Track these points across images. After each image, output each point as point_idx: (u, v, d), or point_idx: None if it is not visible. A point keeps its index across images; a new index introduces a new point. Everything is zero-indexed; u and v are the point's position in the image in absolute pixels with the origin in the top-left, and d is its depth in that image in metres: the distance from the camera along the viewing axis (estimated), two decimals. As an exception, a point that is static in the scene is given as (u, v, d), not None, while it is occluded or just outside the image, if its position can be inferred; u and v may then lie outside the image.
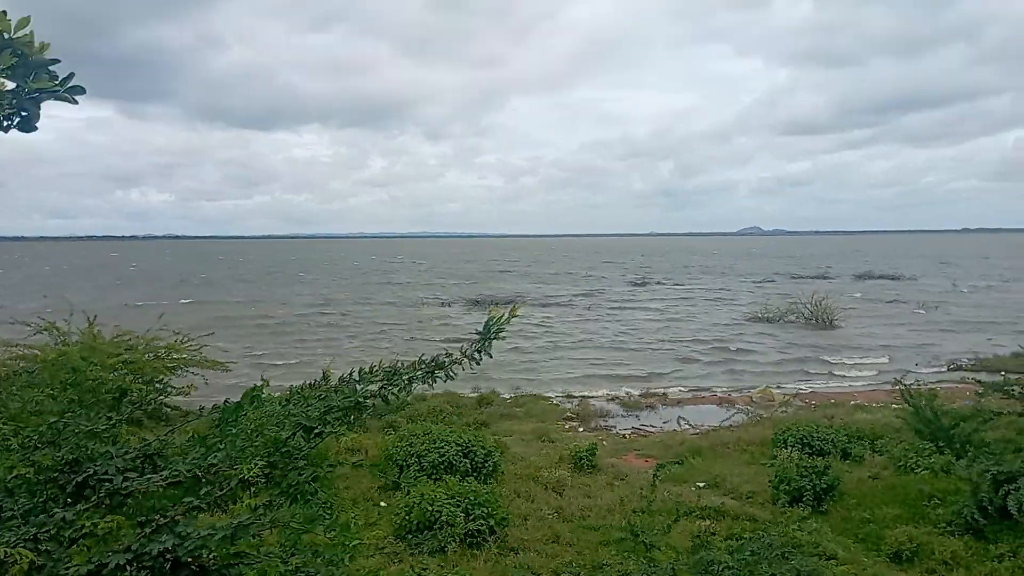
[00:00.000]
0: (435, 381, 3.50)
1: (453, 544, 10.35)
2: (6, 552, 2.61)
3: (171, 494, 3.17)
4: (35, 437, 3.50)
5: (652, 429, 20.42)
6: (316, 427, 3.34)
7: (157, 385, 16.06)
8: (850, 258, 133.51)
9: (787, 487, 12.54)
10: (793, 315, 43.78)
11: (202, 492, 3.11)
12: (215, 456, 3.20)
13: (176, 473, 3.16)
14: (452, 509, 10.59)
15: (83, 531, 2.92)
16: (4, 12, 2.05)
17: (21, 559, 2.60)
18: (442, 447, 13.21)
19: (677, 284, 78.71)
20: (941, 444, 13.86)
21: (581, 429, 20.34)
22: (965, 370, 28.77)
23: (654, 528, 8.33)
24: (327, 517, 3.51)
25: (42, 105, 2.25)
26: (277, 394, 3.91)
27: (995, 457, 10.81)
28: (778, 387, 26.11)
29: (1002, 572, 9.73)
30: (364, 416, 3.45)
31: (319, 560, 3.56)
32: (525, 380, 27.73)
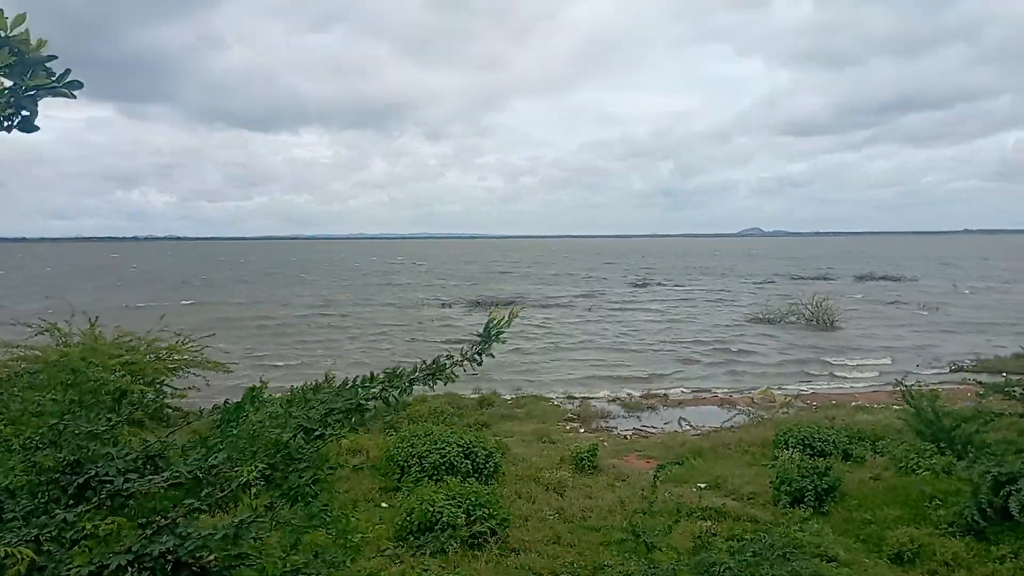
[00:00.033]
0: (436, 384, 3.49)
1: (454, 545, 10.34)
2: (6, 551, 2.61)
3: (172, 495, 3.17)
4: (36, 438, 3.49)
5: (653, 430, 20.42)
6: (317, 429, 3.34)
7: (158, 386, 16.05)
8: (851, 259, 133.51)
9: (788, 488, 12.53)
10: (794, 316, 43.78)
11: (203, 494, 3.10)
12: (216, 457, 3.20)
13: (177, 475, 3.16)
14: (453, 510, 10.59)
15: (84, 532, 2.92)
16: (0, 10, 2.05)
17: (21, 560, 2.60)
18: (443, 448, 13.21)
19: (678, 285, 78.72)
20: (942, 445, 13.85)
21: (582, 430, 20.33)
22: (966, 371, 28.77)
23: (655, 529, 8.33)
24: (328, 518, 3.50)
25: (41, 105, 2.25)
26: (278, 395, 3.91)
27: (996, 458, 10.80)
28: (779, 388, 26.10)
29: (1003, 573, 9.71)
30: (365, 420, 3.45)
31: (320, 561, 3.55)
32: (526, 381, 27.74)
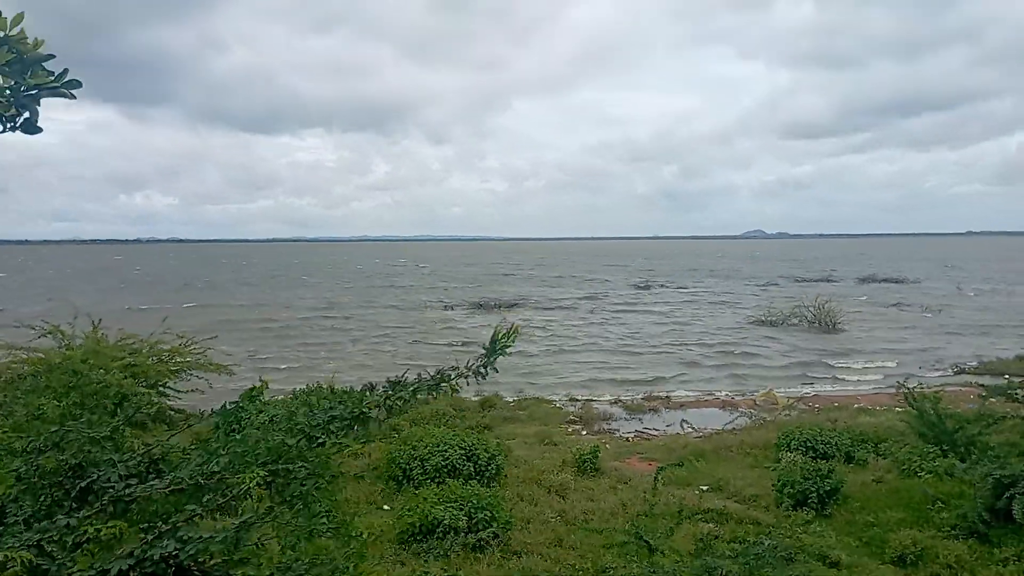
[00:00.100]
0: (439, 394, 3.50)
1: (456, 548, 10.34)
2: (6, 555, 2.62)
3: (174, 501, 3.17)
4: (39, 442, 3.50)
5: (655, 432, 20.40)
6: (320, 436, 3.34)
7: (161, 389, 16.08)
8: (854, 261, 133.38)
9: (791, 490, 12.51)
10: (797, 318, 43.73)
11: (205, 499, 3.11)
12: (218, 463, 3.20)
13: (179, 480, 3.16)
14: (455, 513, 10.59)
15: (87, 536, 2.92)
16: (-1, 10, 2.06)
17: (20, 564, 2.60)
18: (445, 450, 13.21)
19: (681, 287, 78.67)
20: (945, 447, 13.83)
21: (584, 432, 20.32)
22: (969, 373, 28.72)
23: (657, 531, 8.31)
24: (328, 523, 3.50)
25: (42, 107, 2.26)
26: (280, 397, 3.91)
27: (999, 460, 10.77)
28: (782, 390, 26.07)
29: (1006, 576, 9.70)
30: (369, 430, 3.45)
31: (320, 564, 3.55)
32: (528, 383, 27.73)
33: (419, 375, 3.53)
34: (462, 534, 10.52)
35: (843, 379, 29.36)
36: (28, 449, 3.51)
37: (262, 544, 3.18)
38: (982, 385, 14.08)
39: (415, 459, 13.17)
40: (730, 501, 13.14)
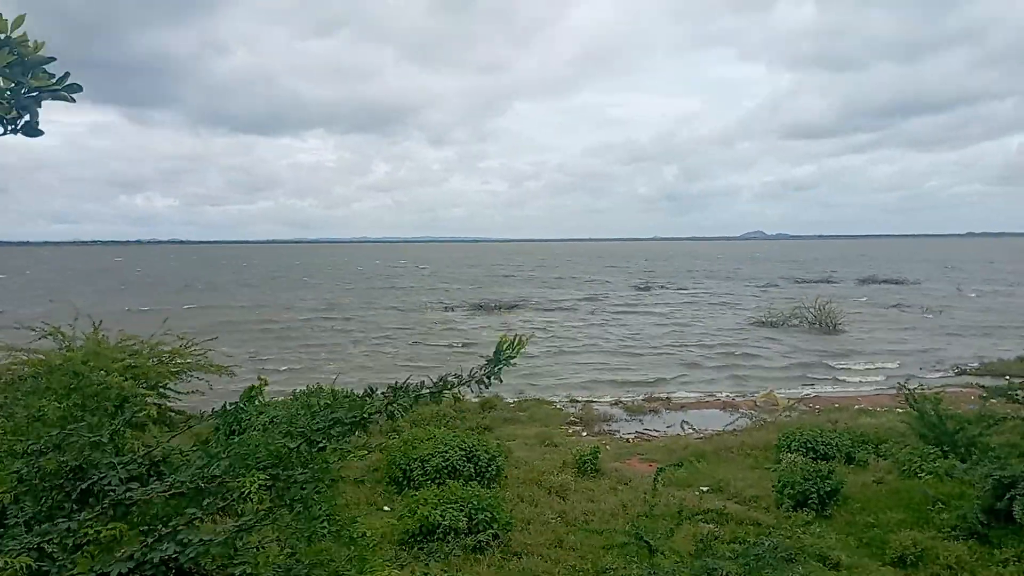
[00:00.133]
0: (441, 401, 3.50)
1: (457, 549, 10.34)
2: (6, 562, 2.62)
3: (174, 504, 3.18)
4: (40, 444, 3.51)
5: (656, 433, 20.40)
6: (320, 440, 3.34)
7: (161, 390, 16.08)
8: (854, 262, 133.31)
9: (791, 491, 12.51)
10: (797, 319, 43.73)
11: (205, 503, 3.11)
12: (218, 467, 3.20)
13: (179, 484, 3.17)
14: (455, 514, 10.59)
15: (87, 538, 2.93)
16: (-1, 12, 2.07)
17: (19, 569, 2.61)
18: (446, 451, 13.21)
19: (681, 289, 78.66)
20: (945, 448, 13.83)
21: (584, 433, 20.32)
22: (970, 374, 28.68)
23: (657, 532, 8.31)
24: (328, 528, 3.50)
25: (43, 110, 2.26)
26: (280, 398, 3.92)
27: (1000, 461, 10.77)
28: (782, 391, 26.05)
29: (1007, 577, 9.69)
30: (368, 437, 3.47)
31: (321, 567, 3.56)
32: (529, 385, 27.71)
33: (421, 382, 3.53)
34: (462, 535, 10.52)
35: (843, 380, 29.34)
36: (29, 451, 3.52)
37: (262, 547, 3.19)
38: (983, 386, 14.07)
39: (415, 460, 13.17)
40: (730, 502, 13.14)
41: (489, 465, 13.41)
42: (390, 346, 39.13)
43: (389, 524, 11.06)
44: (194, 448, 3.63)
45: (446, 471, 12.91)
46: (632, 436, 20.08)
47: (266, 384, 3.75)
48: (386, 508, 12.40)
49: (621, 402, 24.66)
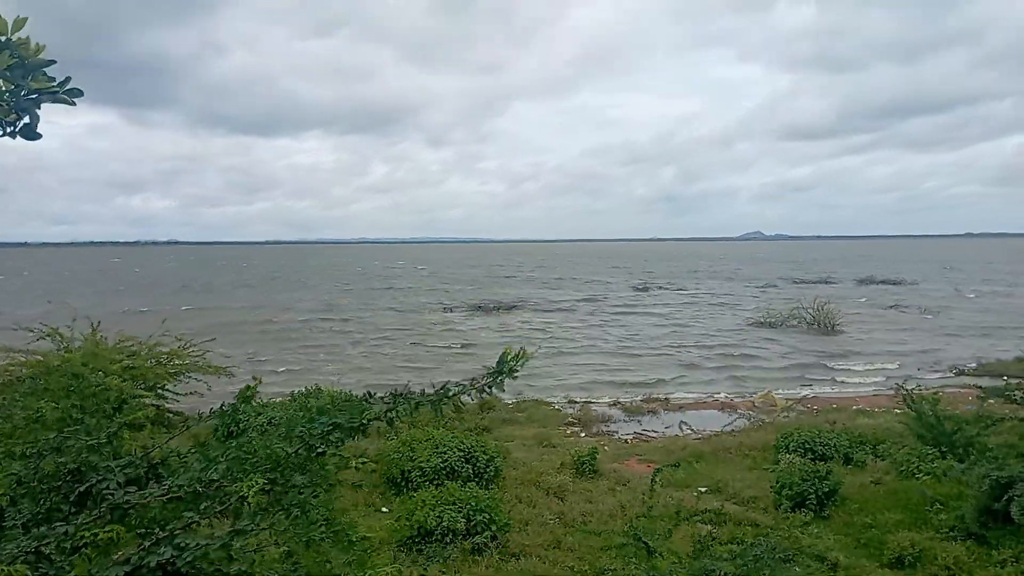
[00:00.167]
0: (442, 410, 3.50)
1: (455, 551, 10.34)
2: (3, 570, 2.63)
3: (172, 508, 3.18)
4: (38, 446, 3.51)
5: (654, 434, 20.41)
6: (319, 446, 3.35)
7: (159, 391, 16.09)
8: (853, 263, 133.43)
9: (789, 492, 12.52)
10: (796, 320, 43.77)
11: (202, 507, 3.11)
12: (216, 471, 3.20)
13: (177, 488, 3.17)
14: (454, 515, 10.59)
15: (84, 540, 2.93)
16: (-1, 14, 2.07)
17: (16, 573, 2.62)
18: (444, 452, 13.20)
19: (680, 289, 78.67)
20: (943, 449, 13.84)
21: (583, 434, 20.33)
22: (968, 375, 28.72)
23: (655, 533, 8.31)
24: (327, 531, 3.51)
25: (43, 111, 2.26)
26: (279, 400, 3.92)
27: (997, 462, 10.77)
28: (780, 392, 26.08)
29: (1004, 578, 9.70)
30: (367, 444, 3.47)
31: (319, 569, 3.56)
32: (527, 385, 27.70)
33: (422, 390, 3.53)
34: (461, 537, 10.52)
35: (842, 381, 29.38)
36: (27, 453, 3.52)
37: (260, 550, 3.19)
38: (980, 387, 14.09)
39: (414, 461, 13.17)
40: (728, 503, 13.14)
41: (487, 466, 13.40)
42: (389, 347, 39.12)
43: (387, 526, 11.06)
44: (192, 450, 3.63)
45: (444, 472, 12.90)
46: (630, 437, 20.08)
47: (261, 381, 3.74)
48: (384, 509, 12.39)
49: (619, 403, 24.67)
